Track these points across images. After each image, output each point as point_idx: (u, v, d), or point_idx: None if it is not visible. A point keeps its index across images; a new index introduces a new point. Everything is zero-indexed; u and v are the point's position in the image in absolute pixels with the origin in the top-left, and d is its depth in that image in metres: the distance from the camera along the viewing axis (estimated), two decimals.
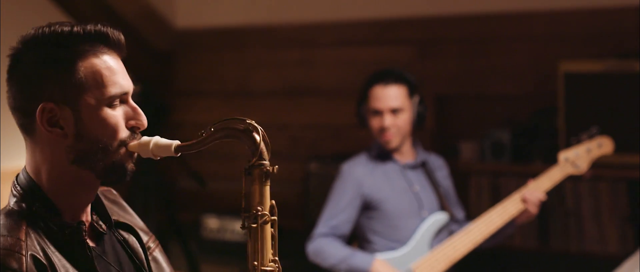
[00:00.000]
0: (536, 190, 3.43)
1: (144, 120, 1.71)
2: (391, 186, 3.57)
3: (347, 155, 3.92)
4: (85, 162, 1.66)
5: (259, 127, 1.66)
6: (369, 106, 3.55)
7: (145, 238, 1.88)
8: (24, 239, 1.58)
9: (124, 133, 1.67)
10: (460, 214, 3.68)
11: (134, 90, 1.74)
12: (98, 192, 1.80)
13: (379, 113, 3.51)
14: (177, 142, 1.68)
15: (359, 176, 3.57)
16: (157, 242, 1.93)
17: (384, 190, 3.55)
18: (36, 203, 1.66)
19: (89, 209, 1.76)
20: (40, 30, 1.65)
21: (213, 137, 1.66)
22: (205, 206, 5.44)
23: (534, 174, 3.53)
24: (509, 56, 4.70)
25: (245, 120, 1.66)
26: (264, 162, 1.65)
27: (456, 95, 4.89)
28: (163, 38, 5.67)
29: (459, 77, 4.84)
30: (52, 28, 1.65)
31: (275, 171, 1.66)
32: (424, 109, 3.60)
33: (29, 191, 1.67)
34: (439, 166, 3.72)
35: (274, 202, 1.68)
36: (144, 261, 1.83)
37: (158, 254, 1.90)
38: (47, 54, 1.63)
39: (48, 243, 1.62)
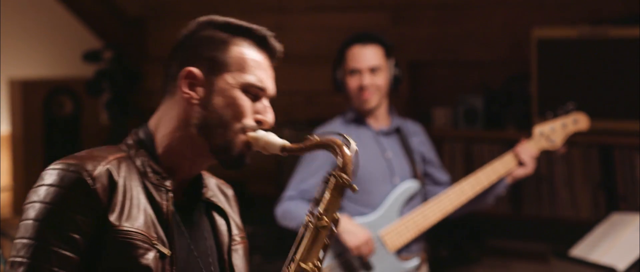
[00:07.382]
0: (528, 150, 3.44)
1: (271, 118, 1.86)
2: (363, 150, 3.52)
3: (320, 121, 3.91)
4: (205, 130, 1.81)
5: (355, 148, 1.82)
6: (346, 67, 3.52)
7: (235, 230, 1.99)
8: (111, 160, 1.76)
9: (248, 121, 1.82)
10: (444, 177, 3.68)
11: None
12: (212, 180, 1.99)
13: (357, 72, 3.49)
14: (286, 142, 1.83)
15: None
16: (246, 242, 2.03)
17: None
18: (142, 148, 1.83)
19: (186, 183, 1.89)
20: (215, 18, 1.87)
21: (315, 146, 1.83)
22: None
23: (507, 141, 3.55)
24: (483, 22, 4.70)
25: (346, 137, 1.82)
26: (344, 176, 1.80)
27: (430, 61, 4.89)
28: (136, 3, 5.61)
29: (432, 43, 4.84)
30: (224, 18, 1.87)
31: (354, 190, 1.80)
32: (400, 72, 3.60)
33: (142, 137, 1.85)
34: (415, 131, 3.71)
35: (338, 216, 1.82)
36: (226, 245, 1.94)
37: (240, 249, 1.99)
38: (210, 33, 1.85)
39: (132, 177, 1.77)
